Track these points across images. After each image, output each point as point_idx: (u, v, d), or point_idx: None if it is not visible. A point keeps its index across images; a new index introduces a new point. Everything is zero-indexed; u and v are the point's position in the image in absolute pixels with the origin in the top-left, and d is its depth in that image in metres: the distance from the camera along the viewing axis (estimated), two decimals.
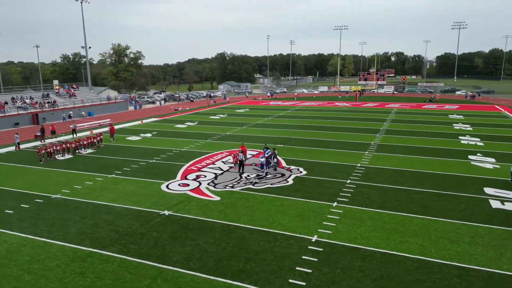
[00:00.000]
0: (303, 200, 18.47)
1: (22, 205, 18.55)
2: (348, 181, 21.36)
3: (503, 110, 54.78)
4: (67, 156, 29.27)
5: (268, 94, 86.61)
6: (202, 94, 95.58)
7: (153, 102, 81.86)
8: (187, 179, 22.46)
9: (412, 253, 13.18)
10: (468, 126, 40.28)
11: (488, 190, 19.61)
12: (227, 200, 18.64)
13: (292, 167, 24.38)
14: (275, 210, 17.32)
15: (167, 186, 21.09)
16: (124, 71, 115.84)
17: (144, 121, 49.03)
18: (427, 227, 15.30)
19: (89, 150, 31.16)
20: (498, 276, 11.66)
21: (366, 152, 28.43)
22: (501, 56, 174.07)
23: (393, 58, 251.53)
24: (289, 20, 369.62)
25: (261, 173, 23.01)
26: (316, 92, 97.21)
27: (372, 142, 32.15)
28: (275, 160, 23.59)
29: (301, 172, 23.30)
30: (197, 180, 22.11)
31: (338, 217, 16.36)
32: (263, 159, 23.31)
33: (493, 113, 51.40)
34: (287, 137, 34.93)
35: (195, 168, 24.70)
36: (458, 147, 30.26)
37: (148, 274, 12.12)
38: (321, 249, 13.55)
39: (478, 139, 32.97)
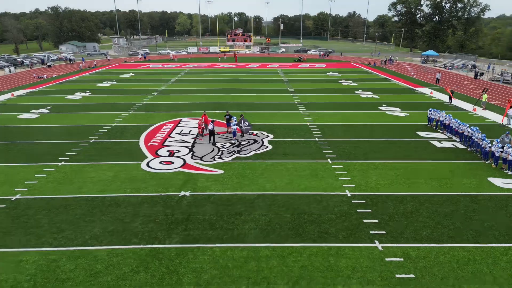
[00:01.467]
0: (300, 161, 19.62)
1: None
2: (317, 139, 23.37)
3: (360, 66, 65.32)
4: None
5: (140, 56, 80.00)
6: (52, 57, 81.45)
7: None
8: (160, 155, 20.62)
9: (428, 191, 16.18)
10: (351, 81, 47.19)
11: (421, 134, 24.57)
12: (232, 172, 18.27)
13: (254, 131, 24.86)
14: (287, 173, 18.05)
15: (148, 166, 19.06)
16: None
17: (15, 93, 39.97)
18: (415, 168, 18.65)
19: None
20: (494, 196, 15.67)
21: (301, 112, 30.87)
22: (326, 18, 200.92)
23: (236, 19, 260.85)
24: None
25: (233, 141, 22.85)
26: (184, 53, 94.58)
27: (296, 102, 34.81)
28: (246, 123, 23.67)
29: (268, 135, 24.10)
30: (175, 156, 20.58)
31: (345, 171, 18.27)
32: (235, 127, 23.06)
33: (357, 70, 60.90)
34: (214, 102, 34.45)
35: (156, 144, 22.65)
36: (363, 100, 35.67)
37: (252, 256, 11.70)
38: (364, 201, 15.29)
39: (370, 93, 39.38)
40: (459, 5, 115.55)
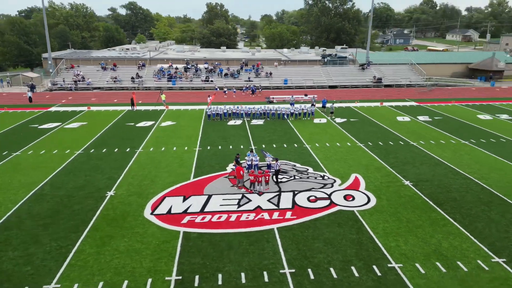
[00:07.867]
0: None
1: None
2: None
3: None
4: None
5: None
6: None
7: None
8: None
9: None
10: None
11: (255, 122, 33.53)
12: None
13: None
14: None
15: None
16: None
17: None
18: (326, 131, 31.29)
19: None
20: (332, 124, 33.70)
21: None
22: None
23: None
24: None
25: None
26: None
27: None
28: (268, 153, 22.79)
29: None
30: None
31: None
32: (270, 158, 21.87)
33: None
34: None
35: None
36: None
37: None
38: None
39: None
40: None
